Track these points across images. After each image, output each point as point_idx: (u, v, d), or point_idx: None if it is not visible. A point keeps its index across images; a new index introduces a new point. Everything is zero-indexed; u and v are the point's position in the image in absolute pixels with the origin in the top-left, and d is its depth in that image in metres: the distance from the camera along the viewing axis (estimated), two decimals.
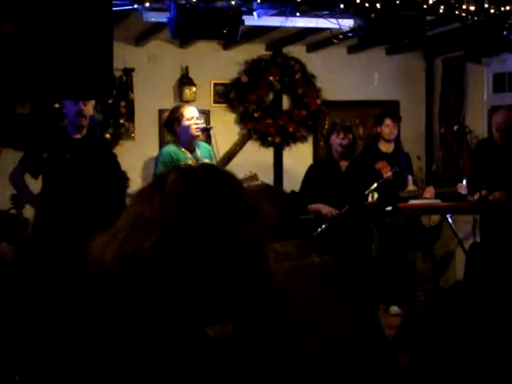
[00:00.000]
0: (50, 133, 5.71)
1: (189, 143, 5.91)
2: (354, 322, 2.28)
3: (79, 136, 5.32)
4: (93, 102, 5.43)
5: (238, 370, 1.43)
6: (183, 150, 5.91)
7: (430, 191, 7.16)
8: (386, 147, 7.25)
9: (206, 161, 5.75)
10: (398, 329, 3.54)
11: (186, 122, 5.87)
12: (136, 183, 6.38)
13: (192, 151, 5.92)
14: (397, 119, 7.33)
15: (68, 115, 5.35)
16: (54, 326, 1.85)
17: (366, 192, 6.26)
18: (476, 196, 6.58)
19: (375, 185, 6.29)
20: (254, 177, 6.22)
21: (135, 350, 1.35)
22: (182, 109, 5.99)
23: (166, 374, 1.34)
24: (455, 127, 7.78)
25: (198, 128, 5.86)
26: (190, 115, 5.90)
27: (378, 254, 6.83)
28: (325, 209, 6.18)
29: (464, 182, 7.10)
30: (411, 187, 7.25)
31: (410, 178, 7.29)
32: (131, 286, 1.33)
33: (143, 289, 1.32)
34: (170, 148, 6.02)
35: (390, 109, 7.81)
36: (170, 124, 6.02)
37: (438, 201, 7.07)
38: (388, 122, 7.21)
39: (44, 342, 1.83)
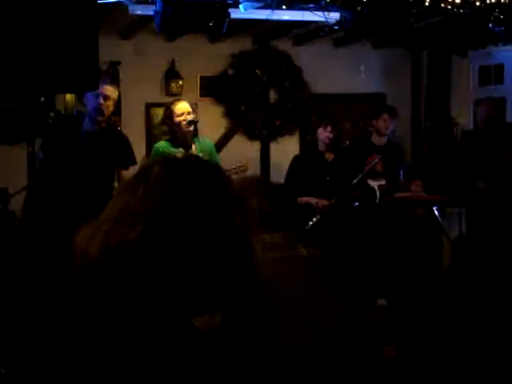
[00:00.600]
0: (64, 122, 5.67)
1: (183, 139, 5.90)
2: (340, 314, 2.29)
3: (94, 129, 5.29)
4: (115, 97, 5.35)
5: (226, 361, 1.43)
6: (177, 146, 5.90)
7: (416, 184, 7.16)
8: (378, 140, 7.24)
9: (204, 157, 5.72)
10: (384, 321, 3.56)
11: (176, 119, 5.87)
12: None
13: (187, 147, 5.90)
14: (394, 114, 7.32)
15: (88, 108, 5.29)
16: (39, 319, 1.85)
17: (353, 182, 6.29)
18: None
19: (361, 175, 6.34)
20: (242, 166, 6.21)
21: (121, 342, 1.35)
22: (172, 106, 5.97)
23: (154, 365, 1.34)
24: (441, 120, 7.81)
25: (187, 123, 5.85)
26: (180, 111, 5.89)
27: (368, 247, 6.84)
28: (314, 200, 6.20)
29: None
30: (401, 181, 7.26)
31: (401, 172, 7.29)
32: (117, 277, 1.33)
33: (129, 280, 1.32)
34: (160, 143, 6.03)
35: (384, 102, 7.84)
36: (165, 121, 6.03)
37: (423, 194, 7.09)
38: (385, 116, 7.16)
39: (30, 335, 1.83)
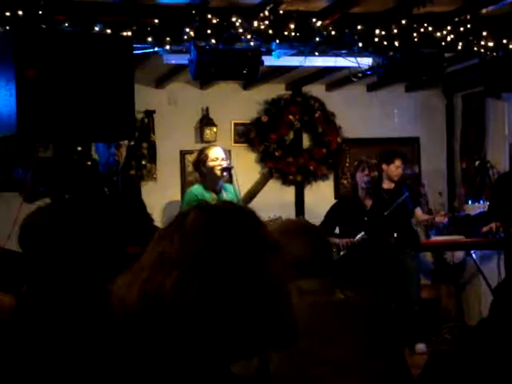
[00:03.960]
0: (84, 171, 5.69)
1: (214, 184, 5.95)
2: (377, 360, 2.26)
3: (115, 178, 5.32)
4: (126, 142, 5.37)
5: None
6: (209, 190, 5.96)
7: (440, 214, 7.12)
8: (388, 184, 7.12)
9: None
10: (423, 367, 3.49)
11: (210, 163, 5.93)
12: (158, 224, 6.40)
13: (218, 192, 5.95)
14: (406, 160, 7.23)
15: (101, 159, 5.30)
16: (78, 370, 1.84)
17: (386, 213, 6.27)
18: (486, 228, 6.62)
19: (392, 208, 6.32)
20: (277, 220, 6.21)
21: None
22: (207, 150, 6.05)
23: None
24: (477, 163, 7.75)
25: (221, 169, 5.90)
26: (215, 156, 5.95)
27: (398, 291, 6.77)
28: (338, 240, 6.20)
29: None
30: (422, 217, 7.17)
31: (418, 209, 7.18)
32: (155, 325, 1.33)
33: (166, 328, 1.32)
34: (196, 188, 6.09)
35: (397, 148, 7.76)
36: (197, 165, 6.09)
37: (461, 237, 7.02)
38: (398, 163, 7.07)
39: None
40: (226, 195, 5.94)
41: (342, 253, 6.10)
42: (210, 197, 5.92)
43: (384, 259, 6.35)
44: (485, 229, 6.73)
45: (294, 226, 2.49)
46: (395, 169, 7.04)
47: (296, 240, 2.36)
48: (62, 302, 2.03)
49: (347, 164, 8.18)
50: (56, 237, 2.14)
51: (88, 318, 1.90)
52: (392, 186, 7.08)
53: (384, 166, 7.07)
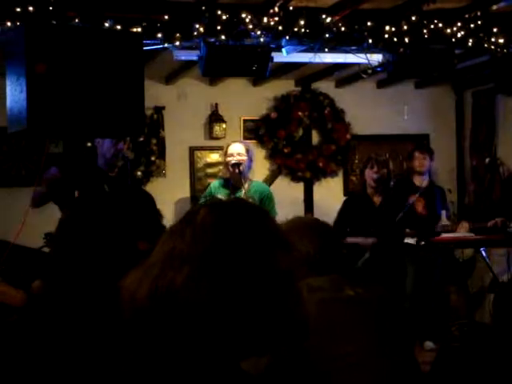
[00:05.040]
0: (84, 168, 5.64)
1: (233, 179, 5.97)
2: (386, 356, 2.26)
3: (112, 174, 5.27)
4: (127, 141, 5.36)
5: None
6: (227, 186, 5.98)
7: (464, 226, 7.07)
8: (419, 181, 7.15)
9: (250, 200, 5.69)
10: (432, 364, 3.48)
11: (226, 159, 5.98)
12: (168, 220, 6.42)
13: (237, 188, 5.95)
14: (425, 151, 7.22)
15: (104, 154, 5.23)
16: (87, 367, 1.85)
17: (397, 219, 6.23)
18: (491, 223, 6.62)
19: (402, 212, 6.29)
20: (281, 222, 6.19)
21: None
22: (227, 146, 6.08)
23: None
24: (487, 160, 7.73)
25: (231, 164, 5.91)
26: (230, 152, 5.98)
27: (412, 288, 6.75)
28: (363, 240, 6.16)
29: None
30: (445, 222, 7.18)
31: (443, 212, 7.21)
32: (165, 321, 1.33)
33: (177, 324, 1.32)
34: (214, 183, 6.19)
35: (419, 143, 7.76)
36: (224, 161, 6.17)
37: (471, 234, 7.00)
38: (417, 154, 7.11)
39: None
40: (246, 192, 5.90)
41: (366, 254, 6.06)
42: (223, 193, 5.95)
43: (395, 257, 6.34)
44: (490, 223, 6.72)
45: (303, 223, 2.48)
46: (416, 160, 7.06)
47: (305, 237, 2.36)
48: (73, 298, 2.03)
49: (356, 161, 8.17)
50: (73, 233, 2.15)
51: (99, 313, 1.91)
52: (423, 183, 7.07)
53: (410, 163, 7.12)
